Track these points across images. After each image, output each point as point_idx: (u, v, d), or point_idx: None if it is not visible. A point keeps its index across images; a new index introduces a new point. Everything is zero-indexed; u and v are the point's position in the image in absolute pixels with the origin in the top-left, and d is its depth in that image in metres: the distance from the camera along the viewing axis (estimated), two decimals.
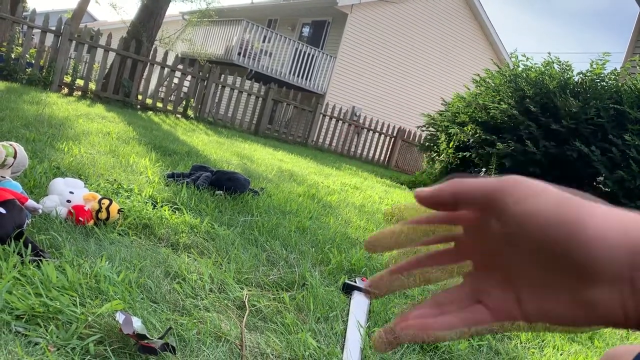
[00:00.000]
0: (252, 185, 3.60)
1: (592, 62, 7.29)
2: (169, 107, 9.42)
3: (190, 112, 9.63)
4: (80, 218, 2.08)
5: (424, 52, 16.39)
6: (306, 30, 16.68)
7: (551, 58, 7.72)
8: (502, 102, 7.68)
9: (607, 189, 6.41)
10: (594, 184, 6.94)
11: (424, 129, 9.69)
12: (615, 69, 7.28)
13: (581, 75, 7.37)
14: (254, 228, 2.67)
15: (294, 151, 8.38)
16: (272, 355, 1.52)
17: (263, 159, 5.82)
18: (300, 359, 1.54)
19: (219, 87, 9.98)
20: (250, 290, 1.94)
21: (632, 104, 6.55)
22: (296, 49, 14.39)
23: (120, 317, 1.34)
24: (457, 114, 8.57)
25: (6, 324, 1.27)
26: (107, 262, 1.73)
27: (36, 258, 1.61)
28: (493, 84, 8.27)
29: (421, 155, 11.71)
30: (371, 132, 12.21)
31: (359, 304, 2.05)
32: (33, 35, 8.76)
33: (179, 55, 10.22)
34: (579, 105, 6.72)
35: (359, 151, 12.23)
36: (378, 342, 0.33)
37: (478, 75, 8.88)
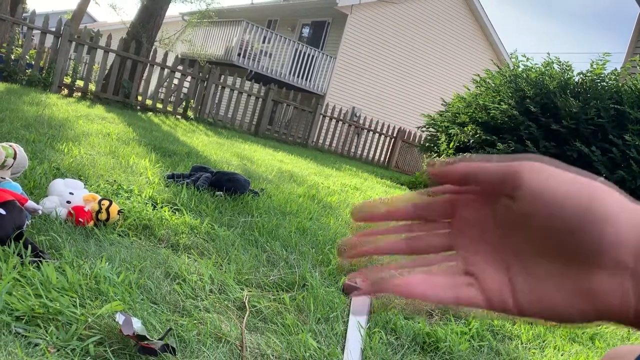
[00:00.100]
0: (252, 186, 3.60)
1: (593, 62, 7.29)
2: (169, 108, 9.42)
3: (190, 113, 9.63)
4: (80, 219, 2.08)
5: (424, 52, 16.40)
6: (306, 31, 16.69)
7: (551, 58, 7.72)
8: (502, 103, 7.68)
9: None
10: None
11: (424, 129, 9.69)
12: (616, 69, 7.28)
13: (581, 76, 7.37)
14: (254, 229, 2.67)
15: (294, 152, 8.38)
16: (273, 356, 1.52)
17: (263, 160, 5.82)
18: (301, 359, 1.53)
19: (219, 88, 9.98)
20: (251, 291, 1.93)
21: (633, 104, 6.55)
22: (296, 50, 14.39)
23: (120, 318, 1.34)
24: (457, 115, 8.57)
25: (6, 325, 1.27)
26: (107, 263, 1.72)
27: (36, 259, 1.60)
28: (493, 85, 8.27)
29: (421, 156, 11.71)
30: (371, 132, 12.21)
31: (359, 305, 2.05)
32: (33, 36, 8.77)
33: (179, 56, 10.23)
34: (579, 106, 6.72)
35: (359, 152, 12.23)
36: (358, 288, 0.32)
37: (478, 75, 8.88)
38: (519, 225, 0.30)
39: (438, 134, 9.03)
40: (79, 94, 8.58)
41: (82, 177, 2.81)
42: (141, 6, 10.14)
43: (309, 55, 14.52)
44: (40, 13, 10.59)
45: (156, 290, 1.68)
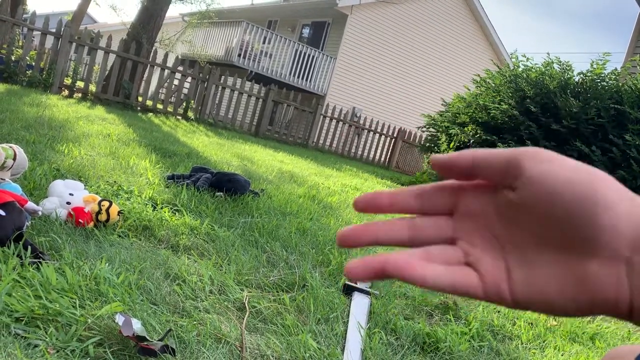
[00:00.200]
0: (253, 186, 3.60)
1: (593, 62, 7.29)
2: (169, 109, 9.43)
3: (190, 114, 9.64)
4: (80, 220, 2.08)
5: (424, 52, 16.40)
6: (306, 31, 16.69)
7: (551, 58, 7.72)
8: (502, 103, 7.68)
9: None
10: None
11: (424, 129, 9.69)
12: (616, 69, 7.28)
13: (581, 76, 7.36)
14: (254, 229, 2.67)
15: (294, 152, 8.38)
16: (273, 356, 1.52)
17: (263, 160, 5.82)
18: None
19: (219, 89, 9.99)
20: (251, 292, 1.93)
21: (633, 104, 6.54)
22: (296, 50, 14.40)
23: (120, 319, 1.34)
24: (457, 115, 8.57)
25: (6, 326, 1.27)
26: (107, 264, 1.72)
27: (36, 260, 1.60)
28: (493, 85, 8.27)
29: (422, 156, 11.72)
30: (371, 133, 12.21)
31: (359, 305, 2.05)
32: (33, 37, 8.77)
33: (179, 56, 10.22)
34: (580, 106, 6.72)
35: (359, 152, 12.23)
36: (355, 266, 0.32)
37: (478, 75, 8.87)
38: (520, 214, 0.31)
39: (438, 134, 9.03)
40: (80, 95, 8.58)
41: (82, 178, 2.81)
42: (141, 7, 10.15)
43: (309, 55, 14.52)
44: (41, 14, 10.60)
45: (156, 291, 1.68)
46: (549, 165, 0.29)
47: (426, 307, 2.25)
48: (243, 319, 1.69)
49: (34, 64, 8.30)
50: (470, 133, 8.01)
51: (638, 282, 0.28)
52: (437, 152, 9.06)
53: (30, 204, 1.86)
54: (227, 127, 9.90)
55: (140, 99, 9.04)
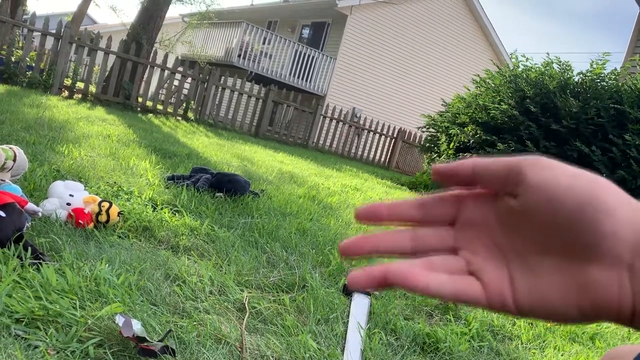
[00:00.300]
0: (253, 187, 3.60)
1: (592, 62, 7.29)
2: (169, 110, 9.43)
3: (190, 114, 9.64)
4: (80, 221, 2.08)
5: (424, 53, 16.40)
6: (306, 32, 16.70)
7: (551, 58, 7.72)
8: (502, 103, 7.68)
9: None
10: None
11: (424, 129, 9.69)
12: (615, 69, 7.28)
13: (581, 76, 7.36)
14: (254, 230, 2.67)
15: (294, 153, 8.38)
16: (273, 357, 1.52)
17: (263, 161, 5.82)
18: None
19: (219, 89, 9.99)
20: (251, 292, 1.94)
21: (633, 104, 6.54)
22: (296, 51, 14.40)
23: (120, 320, 1.34)
24: (457, 115, 8.57)
25: (6, 327, 1.27)
26: (107, 265, 1.73)
27: (36, 261, 1.61)
28: (493, 85, 8.27)
29: (422, 156, 11.70)
30: (371, 133, 12.21)
31: (359, 306, 2.05)
32: (33, 38, 8.77)
33: (179, 57, 10.23)
34: (579, 105, 6.72)
35: (359, 152, 12.23)
36: (358, 276, 0.32)
37: (478, 75, 8.87)
38: (521, 221, 0.31)
39: (438, 134, 9.03)
40: (80, 95, 8.58)
41: (82, 179, 2.81)
42: (141, 8, 10.15)
43: (309, 56, 14.52)
44: (41, 15, 10.60)
45: (156, 291, 1.69)
46: (550, 172, 0.30)
47: (426, 307, 2.26)
48: (243, 319, 1.70)
49: (34, 65, 8.31)
50: (470, 133, 8.01)
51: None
52: (437, 152, 9.07)
53: (31, 205, 1.86)
54: (227, 128, 9.90)
55: (140, 99, 9.04)
